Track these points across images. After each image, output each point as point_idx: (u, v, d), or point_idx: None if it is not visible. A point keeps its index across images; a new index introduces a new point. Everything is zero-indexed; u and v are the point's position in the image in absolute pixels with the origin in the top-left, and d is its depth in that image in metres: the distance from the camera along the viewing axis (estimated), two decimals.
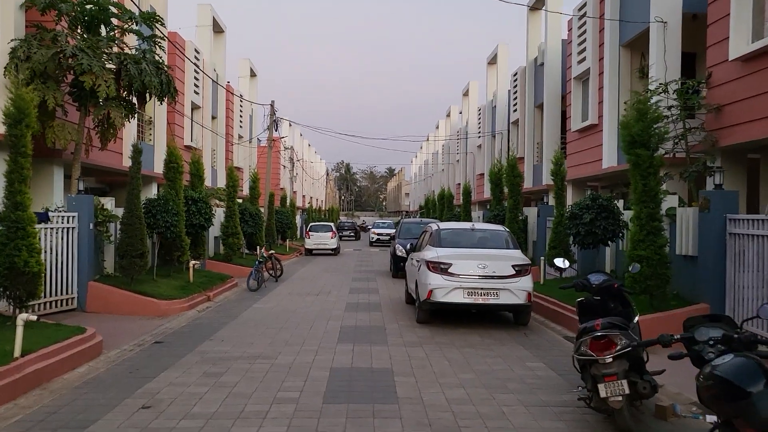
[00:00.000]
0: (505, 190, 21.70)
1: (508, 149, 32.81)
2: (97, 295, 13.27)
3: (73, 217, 13.04)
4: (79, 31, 14.19)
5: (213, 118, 31.44)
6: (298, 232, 46.52)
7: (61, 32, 13.32)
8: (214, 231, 23.16)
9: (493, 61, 39.16)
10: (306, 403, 7.01)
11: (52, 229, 12.40)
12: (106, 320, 12.26)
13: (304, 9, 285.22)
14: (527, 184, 27.94)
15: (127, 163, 16.22)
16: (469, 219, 29.40)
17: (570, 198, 22.08)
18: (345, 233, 56.55)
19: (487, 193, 36.81)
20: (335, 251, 35.99)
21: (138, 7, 15.54)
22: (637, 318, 6.93)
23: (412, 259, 14.53)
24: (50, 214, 12.53)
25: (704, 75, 15.18)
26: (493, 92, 38.39)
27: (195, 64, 26.85)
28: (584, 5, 21.43)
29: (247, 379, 8.03)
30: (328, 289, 18.60)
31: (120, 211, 14.32)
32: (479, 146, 41.18)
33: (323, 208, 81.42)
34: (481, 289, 11.79)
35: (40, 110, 13.38)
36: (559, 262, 8.25)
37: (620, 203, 14.29)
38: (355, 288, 18.83)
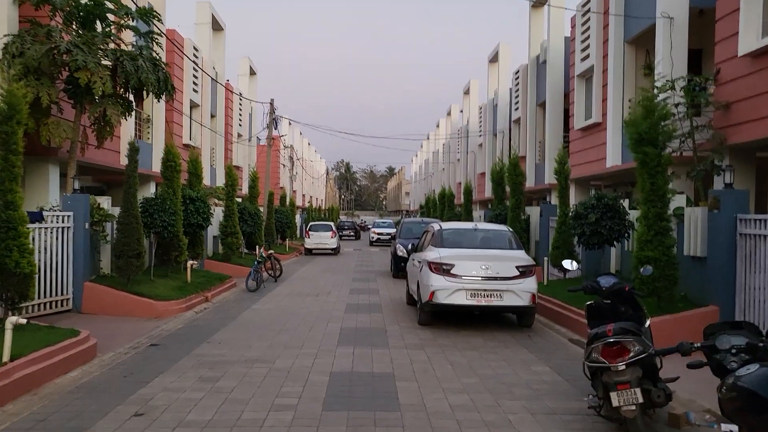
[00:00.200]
0: (507, 189, 21.43)
1: (510, 148, 32.53)
2: (93, 296, 13.02)
3: (68, 216, 12.79)
4: (74, 26, 13.94)
5: (212, 116, 31.20)
6: (298, 232, 46.26)
7: (56, 28, 13.06)
8: (213, 230, 22.91)
9: (494, 59, 38.89)
10: (305, 411, 6.76)
11: (46, 228, 12.15)
12: (102, 322, 12.01)
13: (304, 7, 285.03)
14: (529, 183, 27.65)
15: (124, 161, 15.97)
16: (470, 218, 29.15)
17: (573, 197, 21.80)
18: (345, 233, 56.29)
19: (488, 193, 36.56)
20: (335, 251, 35.73)
21: (135, 3, 15.27)
22: (648, 322, 6.66)
23: (413, 259, 14.27)
24: (44, 213, 12.28)
25: (711, 72, 14.94)
26: (494, 91, 38.13)
27: (194, 62, 26.61)
28: (588, 1, 21.16)
29: (244, 385, 7.77)
30: (328, 289, 18.34)
31: (117, 211, 14.05)
32: (480, 145, 40.93)
33: (323, 208, 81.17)
34: (485, 290, 11.53)
35: (35, 107, 13.16)
36: (567, 263, 8.00)
37: (625, 203, 14.03)
38: (355, 288, 18.57)
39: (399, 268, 21.35)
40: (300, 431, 6.13)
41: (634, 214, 13.63)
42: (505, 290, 11.53)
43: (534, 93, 29.18)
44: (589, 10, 21.06)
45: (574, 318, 11.97)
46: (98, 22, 14.26)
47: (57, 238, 12.45)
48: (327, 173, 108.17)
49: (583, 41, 21.81)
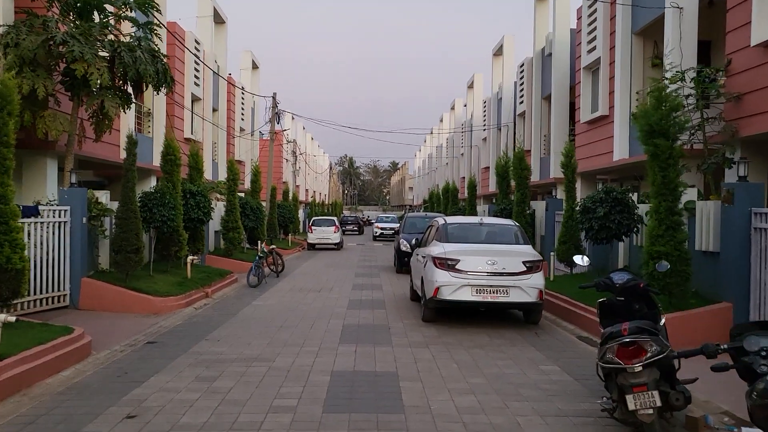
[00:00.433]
0: (512, 183, 21.12)
1: (515, 142, 32.16)
2: (91, 292, 12.77)
3: (65, 210, 12.53)
4: (71, 17, 13.62)
5: (214, 110, 30.89)
6: (301, 227, 46.00)
7: (52, 18, 12.75)
8: (215, 225, 22.65)
9: (498, 52, 38.49)
10: (304, 413, 6.48)
11: (42, 223, 11.89)
12: (99, 318, 11.77)
13: (306, 1, 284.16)
14: (534, 177, 27.29)
15: (124, 155, 15.71)
16: (474, 213, 28.84)
17: (579, 191, 21.47)
18: (348, 228, 56.09)
19: (492, 187, 36.23)
20: (338, 246, 35.46)
21: None
22: (663, 320, 6.36)
23: (417, 254, 13.98)
24: (40, 207, 12.01)
25: (721, 63, 14.58)
26: (498, 84, 37.74)
27: (195, 55, 26.29)
28: None
29: (242, 385, 7.50)
30: (330, 285, 18.07)
31: (115, 205, 13.78)
32: (484, 139, 40.57)
33: (326, 203, 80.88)
34: (491, 286, 11.23)
35: (30, 99, 12.89)
36: (578, 259, 7.68)
37: (633, 197, 13.71)
38: (358, 284, 18.29)
39: (402, 263, 21.09)
40: None
41: (643, 209, 13.35)
42: (512, 286, 11.23)
43: (539, 86, 28.80)
44: (596, 1, 20.68)
45: (582, 315, 11.69)
46: (96, 13, 13.94)
47: (53, 233, 12.20)
48: (330, 168, 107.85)
49: (589, 33, 21.43)
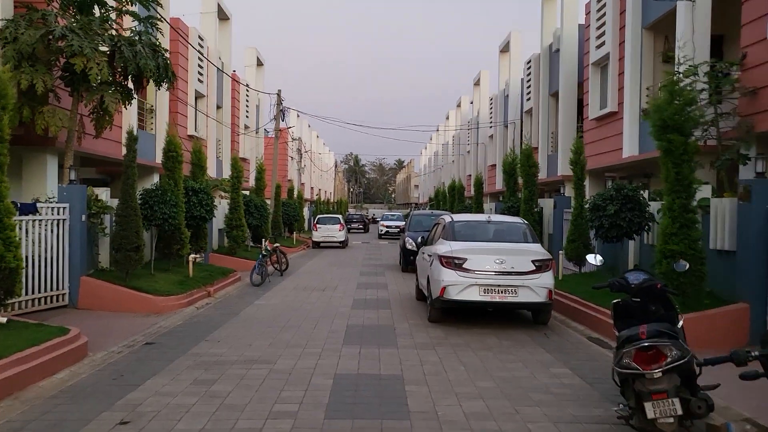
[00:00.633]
0: (520, 180, 20.80)
1: (521, 139, 31.85)
2: (90, 291, 12.52)
3: (64, 208, 12.29)
4: (71, 11, 13.38)
5: (218, 107, 30.66)
6: (306, 225, 45.76)
7: (51, 12, 12.51)
8: (218, 223, 22.41)
9: (505, 49, 38.14)
10: (305, 419, 6.19)
11: (40, 221, 11.64)
12: (98, 318, 11.53)
13: None
14: (541, 175, 26.92)
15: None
16: (480, 211, 28.52)
17: (587, 189, 21.13)
18: (353, 226, 55.83)
19: (498, 185, 35.89)
20: (343, 244, 35.18)
21: None
22: (681, 322, 6.04)
23: (423, 253, 13.68)
24: (39, 205, 11.78)
25: (734, 57, 14.24)
26: (505, 81, 37.40)
27: (199, 51, 26.06)
28: None
29: (241, 388, 7.22)
30: (334, 283, 17.80)
31: (116, 203, 13.53)
32: (491, 136, 40.24)
33: (332, 201, 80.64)
34: (499, 286, 10.93)
35: (29, 95, 12.68)
36: (591, 258, 7.37)
37: (644, 194, 13.38)
38: (362, 283, 18.01)
39: (408, 261, 20.81)
40: None
41: (654, 206, 13.03)
42: (521, 286, 10.93)
43: (546, 83, 28.47)
44: None
45: (592, 315, 11.39)
46: (96, 7, 13.70)
47: (52, 231, 11.96)
48: (336, 166, 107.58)
49: (598, 28, 21.10)
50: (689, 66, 13.23)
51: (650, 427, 5.22)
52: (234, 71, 34.36)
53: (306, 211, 47.90)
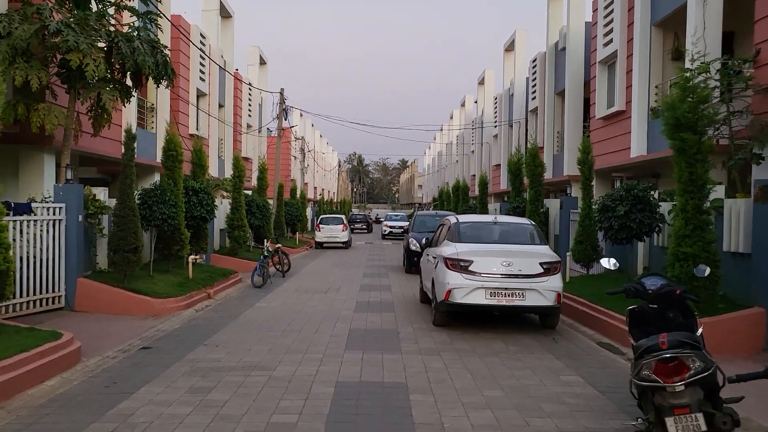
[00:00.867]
0: (525, 180, 20.48)
1: (526, 138, 31.51)
2: (87, 293, 12.24)
3: (60, 208, 12.00)
4: (67, 6, 13.08)
5: (220, 106, 30.39)
6: (309, 225, 45.46)
7: (46, 6, 12.21)
8: (220, 224, 22.12)
9: (510, 47, 37.79)
10: (305, 430, 5.88)
11: (36, 221, 11.36)
12: (94, 321, 11.25)
13: None
14: (547, 175, 26.50)
15: None
16: (485, 211, 28.21)
17: (594, 189, 20.79)
18: (357, 226, 55.54)
19: (503, 185, 35.55)
20: (346, 244, 34.88)
21: None
22: (701, 330, 5.71)
23: (428, 254, 13.36)
24: (34, 204, 11.50)
25: (745, 54, 13.90)
26: (510, 80, 37.04)
27: (200, 49, 25.79)
28: None
29: (238, 397, 6.91)
30: (337, 285, 17.48)
31: (114, 203, 13.24)
32: (495, 136, 39.90)
33: (335, 201, 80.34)
34: (506, 289, 10.60)
35: (24, 92, 12.40)
36: (605, 262, 7.03)
37: (655, 194, 13.04)
38: (366, 285, 17.69)
39: (412, 263, 20.50)
40: None
41: (665, 207, 12.70)
42: (528, 289, 10.60)
43: (552, 81, 28.13)
44: None
45: (602, 319, 11.05)
46: (93, 2, 13.41)
47: (48, 232, 11.68)
48: (339, 166, 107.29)
49: (606, 25, 20.77)
50: (701, 63, 12.89)
51: None
52: (236, 70, 34.09)
53: (309, 211, 47.60)
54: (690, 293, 9.08)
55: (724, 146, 13.08)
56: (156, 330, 10.70)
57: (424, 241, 15.04)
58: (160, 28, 15.33)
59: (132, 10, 13.86)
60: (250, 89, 36.02)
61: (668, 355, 4.81)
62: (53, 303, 11.86)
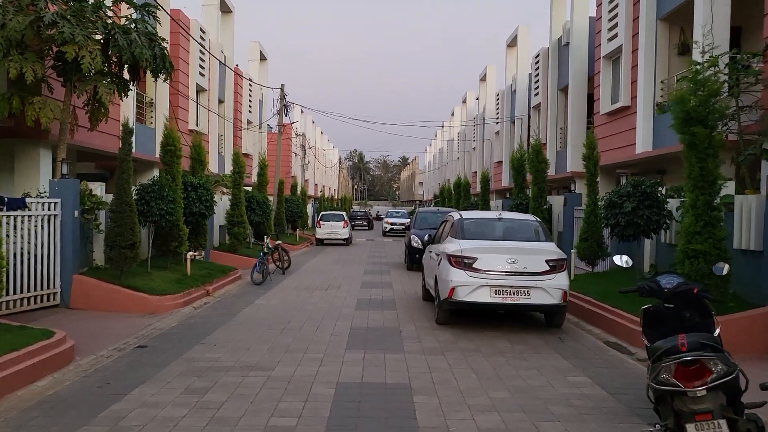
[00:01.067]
0: (528, 177, 20.21)
1: (529, 135, 31.21)
2: (83, 290, 11.99)
3: (56, 203, 11.75)
4: None
5: (220, 102, 30.13)
6: (309, 222, 45.21)
7: None
8: (219, 220, 21.86)
9: (512, 43, 37.48)
10: None
11: (30, 216, 11.11)
12: (90, 318, 11.01)
13: None
14: (550, 171, 26.23)
15: None
16: (487, 208, 27.92)
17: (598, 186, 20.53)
18: (357, 223, 55.27)
19: (505, 182, 35.29)
20: (347, 241, 34.64)
21: None
22: (718, 330, 5.46)
23: (430, 251, 13.10)
24: (28, 200, 11.24)
25: (751, 49, 13.63)
26: (512, 76, 36.74)
27: (200, 44, 25.52)
28: None
29: (235, 398, 6.67)
30: (338, 282, 17.24)
31: (111, 198, 12.98)
32: (497, 133, 39.61)
33: (336, 197, 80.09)
34: (511, 287, 10.35)
35: (19, 84, 12.14)
36: (618, 260, 6.77)
37: (662, 190, 12.78)
38: (367, 282, 17.44)
39: (414, 260, 20.24)
40: None
41: (673, 203, 12.45)
42: (534, 287, 10.35)
43: (555, 77, 27.83)
44: None
45: (608, 317, 10.81)
46: None
47: (43, 227, 11.42)
48: (340, 163, 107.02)
49: (610, 20, 20.47)
50: (710, 56, 12.61)
51: None
52: (237, 65, 33.81)
53: (309, 208, 47.36)
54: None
55: (733, 142, 12.82)
56: (153, 328, 10.46)
57: (426, 237, 14.79)
58: (158, 20, 15.03)
59: (129, 2, 13.57)
60: (250, 85, 35.75)
61: (689, 358, 4.56)
62: (48, 300, 11.61)
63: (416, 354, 8.88)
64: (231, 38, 32.06)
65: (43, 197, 11.78)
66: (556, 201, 19.85)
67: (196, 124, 26.27)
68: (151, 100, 22.04)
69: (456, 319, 11.14)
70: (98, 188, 13.38)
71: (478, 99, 49.49)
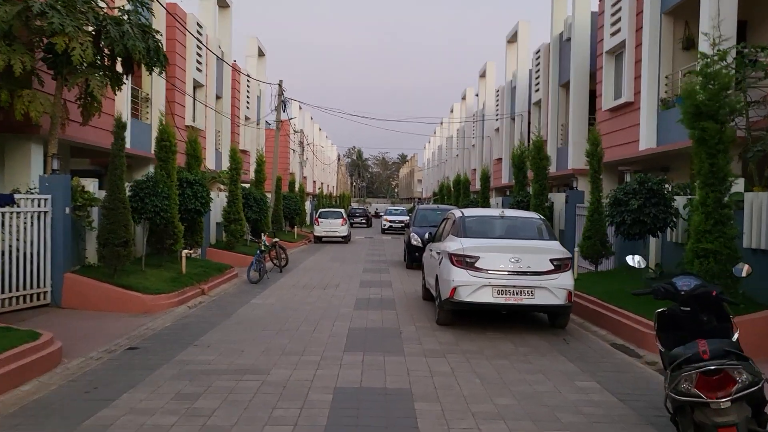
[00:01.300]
0: (529, 174, 19.91)
1: (529, 131, 30.90)
2: (74, 289, 11.68)
3: (46, 200, 11.42)
4: None
5: (218, 98, 29.78)
6: (308, 219, 44.90)
7: None
8: (216, 217, 21.54)
9: (513, 39, 37.14)
10: None
11: (19, 213, 10.78)
12: (81, 318, 10.70)
13: None
14: (550, 168, 25.97)
15: None
16: (487, 205, 27.63)
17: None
18: (356, 220, 55.00)
19: (505, 179, 35.00)
20: (346, 239, 34.33)
21: None
22: (737, 335, 5.16)
23: (431, 250, 12.78)
24: (17, 196, 10.92)
25: (759, 42, 13.33)
26: (512, 72, 36.41)
27: (197, 38, 25.15)
28: None
29: (228, 405, 6.35)
30: (336, 281, 16.92)
31: (104, 195, 12.65)
32: (497, 130, 39.30)
33: (334, 195, 79.77)
34: (514, 287, 10.04)
35: (7, 77, 11.79)
36: (631, 260, 6.46)
37: (669, 187, 12.49)
38: (366, 281, 17.13)
39: (413, 258, 19.92)
40: None
41: (680, 201, 12.16)
42: (538, 287, 10.04)
43: (556, 73, 27.51)
44: None
45: (614, 318, 10.51)
46: None
47: (32, 224, 11.10)
48: (338, 160, 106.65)
49: (613, 14, 20.16)
50: (718, 50, 12.30)
51: None
52: (234, 61, 33.46)
53: (308, 205, 47.03)
54: None
55: (741, 138, 12.52)
56: (145, 328, 10.14)
57: (426, 236, 14.48)
58: (152, 12, 14.68)
59: None
60: (248, 81, 35.39)
61: (713, 367, 4.26)
62: (38, 299, 11.30)
63: (417, 356, 8.57)
64: (228, 33, 31.73)
65: (32, 193, 11.45)
66: (558, 198, 19.56)
67: (193, 120, 25.94)
68: (147, 95, 21.70)
69: (457, 319, 10.84)
70: (91, 184, 13.05)
71: (477, 95, 49.16)
